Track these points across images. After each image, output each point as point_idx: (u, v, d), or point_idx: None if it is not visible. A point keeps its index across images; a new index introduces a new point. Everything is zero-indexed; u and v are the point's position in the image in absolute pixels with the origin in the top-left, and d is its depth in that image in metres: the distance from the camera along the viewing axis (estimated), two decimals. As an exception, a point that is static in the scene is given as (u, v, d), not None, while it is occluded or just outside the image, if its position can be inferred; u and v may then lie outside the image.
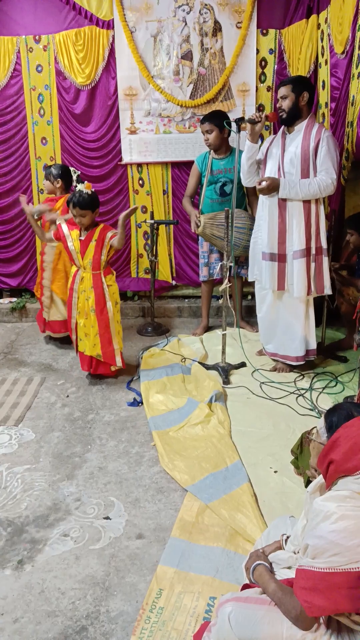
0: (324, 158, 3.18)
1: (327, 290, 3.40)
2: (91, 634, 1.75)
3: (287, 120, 3.29)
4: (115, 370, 3.47)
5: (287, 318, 3.47)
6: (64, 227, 3.30)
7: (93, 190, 3.23)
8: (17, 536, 2.19)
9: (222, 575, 1.93)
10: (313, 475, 2.04)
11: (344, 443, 1.34)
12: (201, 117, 4.10)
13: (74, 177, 3.06)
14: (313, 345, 3.50)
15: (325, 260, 3.36)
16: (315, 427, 1.56)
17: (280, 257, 3.36)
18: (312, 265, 3.34)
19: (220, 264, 3.57)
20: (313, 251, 3.33)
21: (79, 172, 3.12)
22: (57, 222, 3.37)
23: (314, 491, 1.49)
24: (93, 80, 4.44)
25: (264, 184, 3.24)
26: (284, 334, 3.51)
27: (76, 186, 3.17)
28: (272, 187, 3.22)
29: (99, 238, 3.24)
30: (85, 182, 3.25)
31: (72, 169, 3.09)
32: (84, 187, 3.16)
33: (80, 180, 3.57)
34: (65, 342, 4.06)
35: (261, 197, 3.42)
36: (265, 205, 3.37)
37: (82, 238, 3.26)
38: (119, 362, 3.40)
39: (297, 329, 3.44)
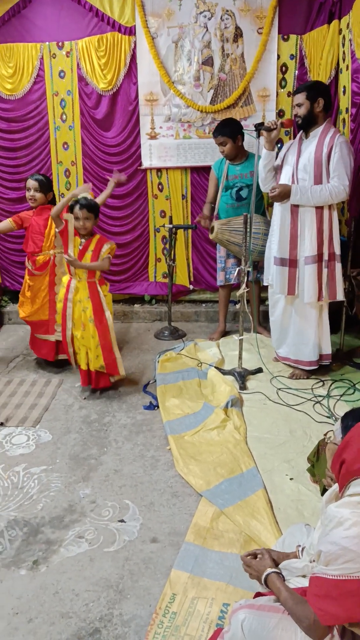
0: (336, 164, 3.17)
1: (340, 297, 3.39)
2: (104, 636, 1.76)
3: (302, 127, 3.32)
4: (114, 381, 3.44)
5: (299, 323, 3.47)
6: (71, 227, 3.19)
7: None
8: (33, 536, 2.21)
9: (236, 582, 1.92)
10: (329, 484, 2.02)
11: (355, 443, 1.34)
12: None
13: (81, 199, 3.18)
14: (327, 350, 3.50)
15: (339, 267, 3.34)
16: (332, 430, 1.56)
17: (291, 262, 3.37)
18: (325, 271, 3.33)
19: (237, 269, 3.57)
20: (325, 257, 3.32)
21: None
22: (65, 218, 3.21)
23: (329, 500, 1.47)
24: (115, 86, 4.48)
25: (275, 191, 3.26)
26: (295, 338, 3.51)
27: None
28: (283, 193, 3.24)
29: (96, 249, 3.23)
30: (89, 190, 3.32)
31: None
32: (87, 195, 3.23)
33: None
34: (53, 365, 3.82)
35: (276, 203, 3.42)
36: (278, 211, 3.38)
37: (80, 247, 3.23)
38: (122, 372, 3.36)
39: (309, 334, 3.44)
